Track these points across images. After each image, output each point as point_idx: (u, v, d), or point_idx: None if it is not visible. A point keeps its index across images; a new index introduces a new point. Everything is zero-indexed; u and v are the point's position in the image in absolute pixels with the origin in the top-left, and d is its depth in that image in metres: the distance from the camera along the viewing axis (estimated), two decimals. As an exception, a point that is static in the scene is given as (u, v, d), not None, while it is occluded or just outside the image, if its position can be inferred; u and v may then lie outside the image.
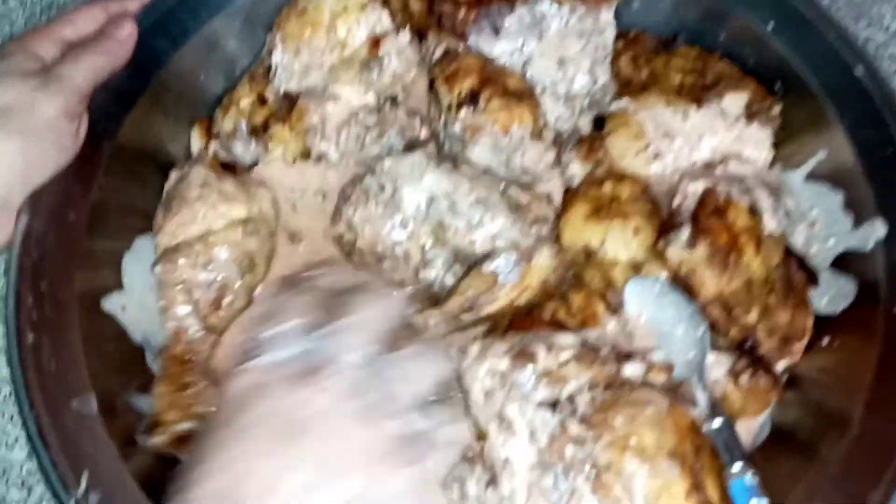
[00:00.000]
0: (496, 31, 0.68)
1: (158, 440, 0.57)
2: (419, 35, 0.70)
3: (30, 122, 0.55)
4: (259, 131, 0.68)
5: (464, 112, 0.63)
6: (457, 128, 0.64)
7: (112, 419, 0.55)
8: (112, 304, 0.61)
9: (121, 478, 0.53)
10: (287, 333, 0.48)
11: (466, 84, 0.64)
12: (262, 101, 0.69)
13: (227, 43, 0.70)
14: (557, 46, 0.68)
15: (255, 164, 0.69)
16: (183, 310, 0.62)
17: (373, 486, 0.44)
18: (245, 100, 0.69)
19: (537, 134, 0.63)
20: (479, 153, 0.63)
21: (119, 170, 0.63)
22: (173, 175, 0.67)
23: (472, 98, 0.63)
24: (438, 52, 0.68)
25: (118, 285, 0.62)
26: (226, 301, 0.63)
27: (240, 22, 0.69)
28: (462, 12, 0.67)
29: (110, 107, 0.62)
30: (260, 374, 0.47)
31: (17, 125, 0.54)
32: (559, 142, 0.67)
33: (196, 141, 0.70)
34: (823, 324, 0.62)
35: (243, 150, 0.69)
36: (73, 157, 0.58)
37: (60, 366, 0.55)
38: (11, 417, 0.62)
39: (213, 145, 0.69)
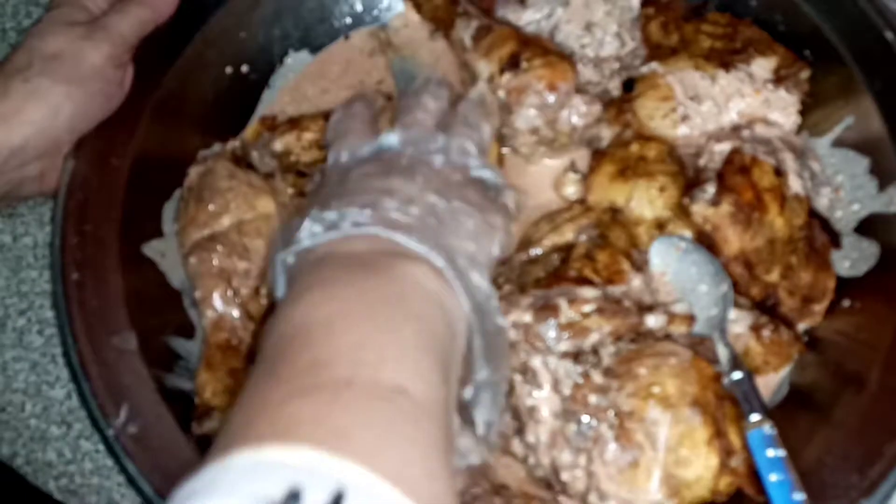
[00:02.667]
0: (523, 1, 0.69)
1: (212, 425, 0.58)
2: (444, 26, 0.72)
3: (77, 70, 0.57)
4: (291, 168, 0.68)
5: (506, 77, 0.64)
6: (500, 94, 0.64)
7: (151, 356, 0.57)
8: (152, 249, 0.63)
9: (158, 411, 0.55)
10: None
11: (506, 50, 0.64)
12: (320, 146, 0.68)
13: (267, 3, 0.71)
14: (584, 11, 0.69)
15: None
16: (222, 299, 0.61)
17: (455, 202, 0.46)
18: (310, 135, 0.68)
19: (582, 88, 0.64)
20: (525, 116, 0.64)
21: (161, 121, 0.65)
22: (193, 170, 0.66)
23: (513, 61, 0.64)
24: (467, 38, 0.68)
25: (158, 233, 0.64)
26: (264, 290, 0.63)
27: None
28: None
29: (154, 58, 0.64)
30: (349, 158, 0.51)
31: (65, 73, 0.57)
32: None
33: (251, 130, 0.71)
34: (845, 286, 0.63)
35: (259, 161, 0.68)
36: (117, 106, 0.60)
37: (102, 303, 0.57)
38: (53, 357, 0.64)
39: (233, 143, 0.70)
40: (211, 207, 0.62)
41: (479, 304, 0.43)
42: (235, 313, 0.62)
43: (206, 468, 0.29)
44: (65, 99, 0.57)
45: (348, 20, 0.76)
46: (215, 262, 0.61)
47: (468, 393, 0.45)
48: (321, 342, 0.35)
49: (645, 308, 0.58)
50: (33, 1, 0.76)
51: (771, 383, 0.62)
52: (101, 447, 0.61)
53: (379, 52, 0.76)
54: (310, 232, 0.43)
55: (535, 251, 0.64)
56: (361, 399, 0.32)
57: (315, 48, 0.75)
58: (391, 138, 0.51)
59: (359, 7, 0.76)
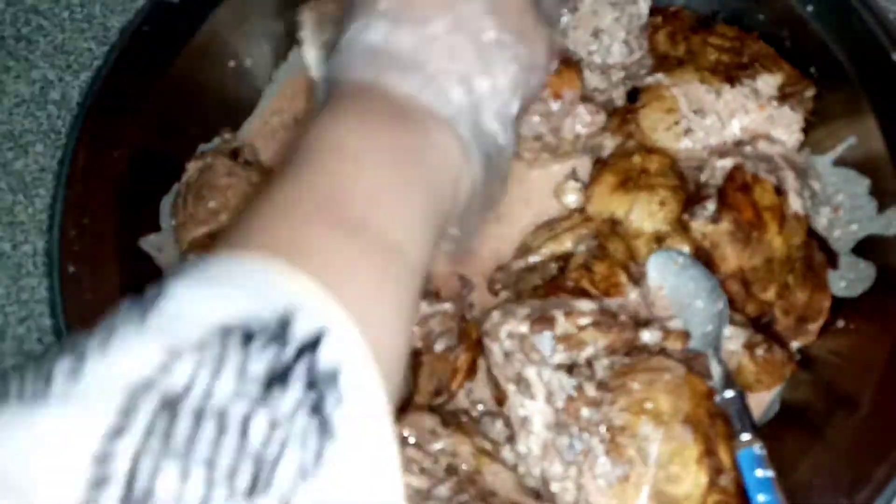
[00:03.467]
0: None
1: None
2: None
3: None
4: None
5: None
6: None
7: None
8: (149, 244, 0.62)
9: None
10: None
11: None
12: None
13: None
14: (592, 18, 0.69)
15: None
16: None
17: (507, 34, 0.43)
18: None
19: (588, 97, 0.64)
20: (529, 123, 0.63)
21: (162, 113, 0.64)
22: (192, 166, 0.66)
23: None
24: None
25: (156, 226, 0.64)
26: None
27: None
28: None
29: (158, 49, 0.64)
30: None
31: None
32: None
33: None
34: (840, 306, 0.63)
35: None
36: None
37: (97, 297, 0.57)
38: None
39: (228, 135, 0.70)
40: (210, 205, 0.62)
41: (493, 162, 0.43)
42: None
43: (212, 263, 0.30)
44: None
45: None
46: None
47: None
48: (347, 175, 0.36)
49: (641, 323, 0.58)
50: (33, 9, 0.77)
51: (762, 401, 0.62)
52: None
53: None
54: (348, 54, 0.42)
55: (534, 259, 0.65)
56: (365, 247, 0.34)
57: (320, 43, 0.75)
58: None
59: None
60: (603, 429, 0.54)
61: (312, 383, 0.27)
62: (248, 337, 0.27)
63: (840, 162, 0.66)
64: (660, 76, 0.66)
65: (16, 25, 0.76)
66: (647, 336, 0.58)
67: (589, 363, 0.57)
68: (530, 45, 0.44)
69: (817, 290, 0.62)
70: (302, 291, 0.29)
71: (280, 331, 0.28)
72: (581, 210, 0.66)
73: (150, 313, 0.28)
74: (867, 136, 0.64)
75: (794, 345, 0.62)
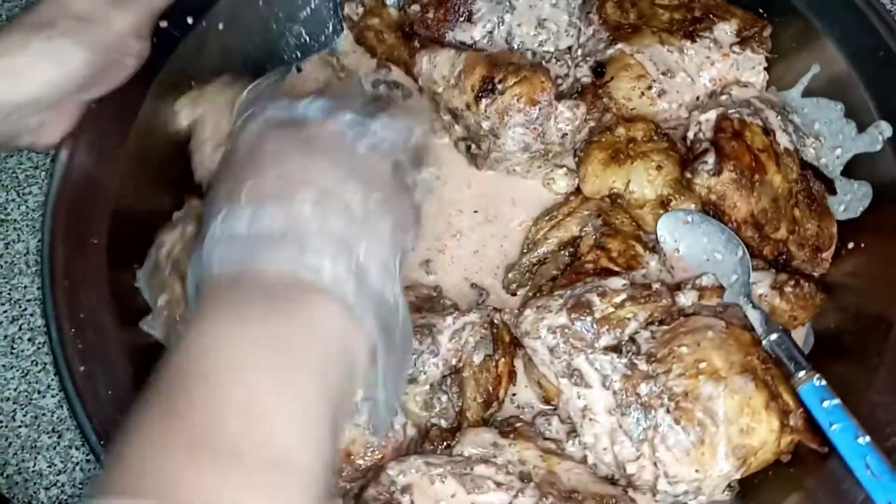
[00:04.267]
0: (469, 18, 0.68)
1: None
2: (405, 66, 0.71)
3: (100, 36, 0.56)
4: None
5: (484, 103, 0.62)
6: (484, 124, 0.63)
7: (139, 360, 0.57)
8: (149, 325, 0.60)
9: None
10: (276, 101, 0.49)
11: (476, 77, 0.63)
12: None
13: (213, 45, 0.69)
14: (530, 11, 0.69)
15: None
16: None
17: (374, 195, 0.44)
18: None
19: (561, 95, 0.63)
20: (513, 137, 0.62)
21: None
22: (168, 238, 0.63)
23: (487, 86, 0.62)
24: (437, 75, 0.66)
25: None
26: None
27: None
28: (431, 12, 0.68)
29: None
30: (265, 122, 0.47)
31: (88, 37, 0.56)
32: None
33: None
34: (845, 229, 0.64)
35: None
36: (128, 78, 0.59)
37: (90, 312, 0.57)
38: (44, 366, 0.64)
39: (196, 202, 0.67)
40: None
41: (386, 321, 0.43)
42: None
43: None
44: (82, 64, 0.56)
45: (297, 53, 0.74)
46: None
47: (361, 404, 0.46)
48: (221, 393, 0.35)
49: (673, 287, 0.58)
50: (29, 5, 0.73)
51: (797, 338, 0.63)
52: (92, 457, 0.60)
53: (334, 78, 0.74)
54: (215, 249, 0.41)
55: (542, 250, 0.64)
56: (251, 472, 0.33)
57: (269, 85, 0.73)
58: (316, 104, 0.48)
59: (305, 38, 0.74)
60: (666, 399, 0.54)
61: None
62: None
63: (808, 93, 0.67)
64: (620, 46, 0.66)
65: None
66: (684, 299, 0.58)
67: (632, 339, 0.57)
68: (398, 203, 0.46)
69: (823, 217, 0.63)
70: None
71: None
72: (576, 193, 0.66)
73: None
74: (829, 62, 0.66)
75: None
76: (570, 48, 0.70)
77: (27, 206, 0.69)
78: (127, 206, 0.61)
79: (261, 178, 0.43)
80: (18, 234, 0.68)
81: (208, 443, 0.33)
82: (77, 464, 0.61)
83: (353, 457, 0.55)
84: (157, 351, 0.60)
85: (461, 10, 0.67)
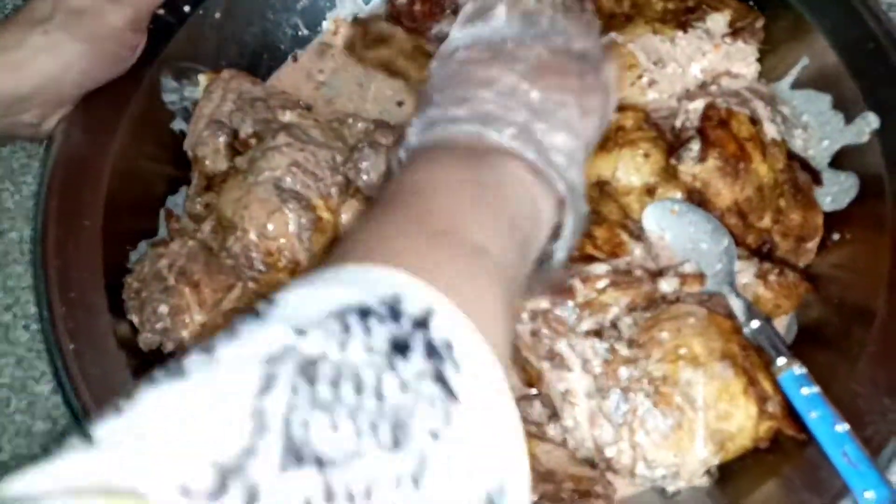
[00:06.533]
0: (455, 11, 0.69)
1: None
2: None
3: (96, 29, 0.58)
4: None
5: None
6: None
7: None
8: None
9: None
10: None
11: None
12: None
13: (209, 35, 0.70)
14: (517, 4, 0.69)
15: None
16: None
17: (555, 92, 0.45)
18: None
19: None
20: None
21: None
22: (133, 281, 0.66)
23: None
24: None
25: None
26: None
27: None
28: (418, 4, 0.69)
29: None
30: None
31: (84, 30, 0.58)
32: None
33: None
34: (831, 221, 0.64)
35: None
36: (125, 70, 0.61)
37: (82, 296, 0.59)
38: (39, 352, 0.64)
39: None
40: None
41: (573, 190, 0.44)
42: None
43: (318, 273, 0.32)
44: (79, 57, 0.58)
45: (293, 43, 0.75)
46: None
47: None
48: (428, 198, 0.39)
49: (655, 274, 0.59)
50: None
51: (779, 328, 0.63)
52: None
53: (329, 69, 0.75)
54: (415, 130, 0.45)
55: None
56: (452, 247, 0.37)
57: (265, 75, 0.74)
58: (498, 19, 0.50)
59: (303, 30, 0.75)
60: (645, 383, 0.54)
61: (430, 353, 0.29)
62: (364, 314, 0.29)
63: (797, 84, 0.68)
64: (612, 35, 0.66)
65: (3, 12, 0.75)
66: (665, 285, 0.58)
67: (614, 324, 0.57)
68: (580, 96, 0.46)
69: (809, 208, 0.63)
70: (403, 282, 0.31)
71: (392, 310, 0.30)
72: (564, 180, 0.66)
73: (269, 311, 0.30)
74: (819, 54, 0.66)
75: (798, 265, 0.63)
76: (562, 38, 0.71)
77: (21, 196, 0.69)
78: (120, 189, 0.63)
79: (449, 89, 0.45)
80: (12, 223, 0.68)
81: (421, 224, 0.37)
82: (72, 450, 0.62)
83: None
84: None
85: (447, 3, 0.68)
